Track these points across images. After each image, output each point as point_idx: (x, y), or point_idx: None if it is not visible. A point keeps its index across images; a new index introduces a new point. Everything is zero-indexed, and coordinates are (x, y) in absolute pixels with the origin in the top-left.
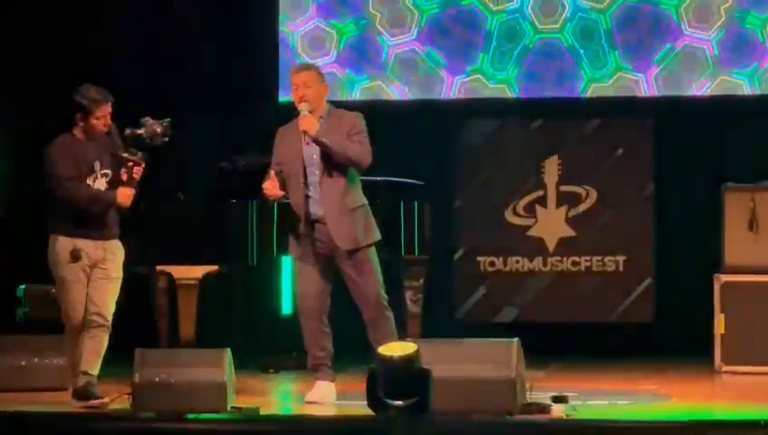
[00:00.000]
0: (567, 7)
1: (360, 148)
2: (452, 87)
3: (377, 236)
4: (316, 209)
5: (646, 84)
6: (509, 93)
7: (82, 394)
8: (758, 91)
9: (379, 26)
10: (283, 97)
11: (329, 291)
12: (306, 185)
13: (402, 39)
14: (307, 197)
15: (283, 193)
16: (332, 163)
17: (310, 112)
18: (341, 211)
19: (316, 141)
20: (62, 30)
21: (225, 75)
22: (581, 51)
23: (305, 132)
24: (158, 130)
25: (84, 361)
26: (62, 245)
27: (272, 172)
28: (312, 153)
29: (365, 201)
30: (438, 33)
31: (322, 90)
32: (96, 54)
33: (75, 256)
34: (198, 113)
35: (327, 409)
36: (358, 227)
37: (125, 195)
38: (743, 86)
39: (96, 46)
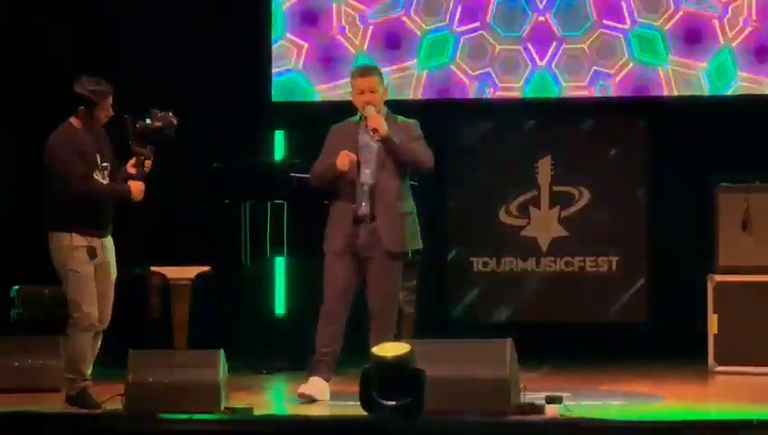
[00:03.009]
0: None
1: (424, 151)
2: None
3: (420, 243)
4: (366, 209)
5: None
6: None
7: (79, 401)
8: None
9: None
10: (276, 98)
11: (353, 292)
12: (359, 184)
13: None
14: (358, 195)
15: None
16: (392, 165)
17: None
18: (394, 213)
19: (385, 140)
20: (58, 27)
21: (220, 76)
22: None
23: (375, 131)
24: (174, 121)
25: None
26: (78, 242)
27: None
28: (367, 153)
29: (414, 208)
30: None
31: (384, 93)
32: (90, 52)
33: (92, 253)
34: (192, 114)
35: (321, 409)
36: (407, 231)
37: (138, 189)
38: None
39: (91, 44)
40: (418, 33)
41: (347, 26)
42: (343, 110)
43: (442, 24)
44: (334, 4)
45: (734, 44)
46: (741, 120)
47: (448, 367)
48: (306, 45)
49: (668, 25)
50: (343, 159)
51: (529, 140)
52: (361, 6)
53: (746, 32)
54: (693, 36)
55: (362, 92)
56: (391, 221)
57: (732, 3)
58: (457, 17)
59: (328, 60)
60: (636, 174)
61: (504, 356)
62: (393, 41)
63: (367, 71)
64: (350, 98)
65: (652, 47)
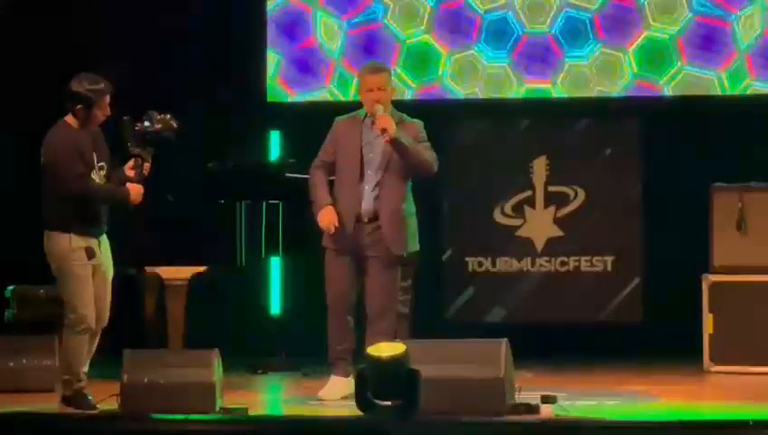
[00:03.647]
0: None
1: (430, 154)
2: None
3: (418, 245)
4: (369, 208)
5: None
6: (507, 70)
7: (74, 401)
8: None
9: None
10: (271, 97)
11: (357, 289)
12: (362, 183)
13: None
14: (359, 195)
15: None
16: (397, 165)
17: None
18: (399, 215)
19: (393, 141)
20: (50, 26)
21: (214, 75)
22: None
23: (384, 131)
24: (174, 124)
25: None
26: (76, 243)
27: (330, 208)
28: (371, 152)
29: (415, 209)
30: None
31: (392, 92)
32: (81, 50)
33: (90, 254)
34: (186, 113)
35: (317, 409)
36: (409, 233)
37: (137, 192)
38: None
39: (82, 43)
40: (395, 40)
41: (325, 35)
42: (340, 110)
43: (420, 28)
44: (311, 13)
45: (747, 53)
46: (735, 119)
47: (443, 367)
48: (282, 53)
49: (681, 34)
50: (325, 220)
51: (524, 140)
52: (339, 15)
53: (760, 40)
54: (706, 44)
55: (371, 90)
56: (395, 222)
57: (745, 9)
58: (435, 25)
59: (304, 67)
60: (630, 174)
61: (499, 356)
62: (371, 47)
63: (377, 68)
64: (337, 99)
65: (661, 57)
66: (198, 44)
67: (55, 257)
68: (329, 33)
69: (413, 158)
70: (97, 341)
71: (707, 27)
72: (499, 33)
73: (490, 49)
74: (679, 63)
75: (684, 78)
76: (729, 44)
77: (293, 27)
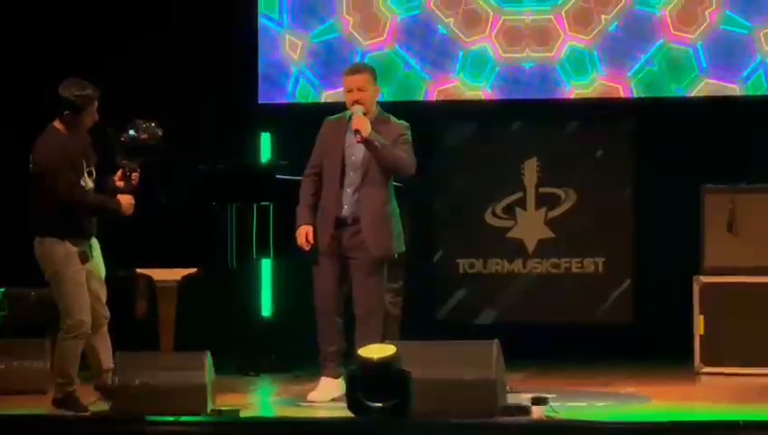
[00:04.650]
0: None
1: (406, 156)
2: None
3: (403, 246)
4: (350, 211)
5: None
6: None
7: (66, 403)
8: (738, 93)
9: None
10: (263, 99)
11: (344, 291)
12: (342, 185)
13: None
14: (341, 197)
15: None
16: (377, 167)
17: (363, 114)
18: (381, 218)
19: (367, 142)
20: (45, 27)
21: (205, 76)
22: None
23: (357, 131)
24: (160, 133)
25: (106, 358)
26: (71, 248)
27: (307, 228)
28: (352, 154)
29: (398, 210)
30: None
31: (375, 92)
32: (77, 53)
33: (84, 258)
34: (178, 115)
35: (308, 411)
36: (393, 234)
37: (128, 203)
38: (724, 88)
39: (78, 45)
40: (360, 49)
41: (290, 50)
42: (332, 112)
43: (380, 39)
44: (278, 33)
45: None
46: (727, 120)
47: (434, 369)
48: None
49: (701, 45)
50: (301, 240)
51: (515, 142)
52: (303, 31)
53: None
54: (727, 55)
55: (350, 91)
56: (376, 225)
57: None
58: (394, 35)
59: (277, 74)
60: (622, 175)
61: (490, 357)
62: (337, 59)
63: (356, 69)
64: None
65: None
66: (191, 44)
67: (51, 264)
68: (293, 45)
69: (386, 159)
70: (107, 334)
71: (728, 38)
72: (479, 62)
73: (470, 79)
74: (697, 75)
75: (702, 90)
76: (750, 56)
77: (265, 36)
